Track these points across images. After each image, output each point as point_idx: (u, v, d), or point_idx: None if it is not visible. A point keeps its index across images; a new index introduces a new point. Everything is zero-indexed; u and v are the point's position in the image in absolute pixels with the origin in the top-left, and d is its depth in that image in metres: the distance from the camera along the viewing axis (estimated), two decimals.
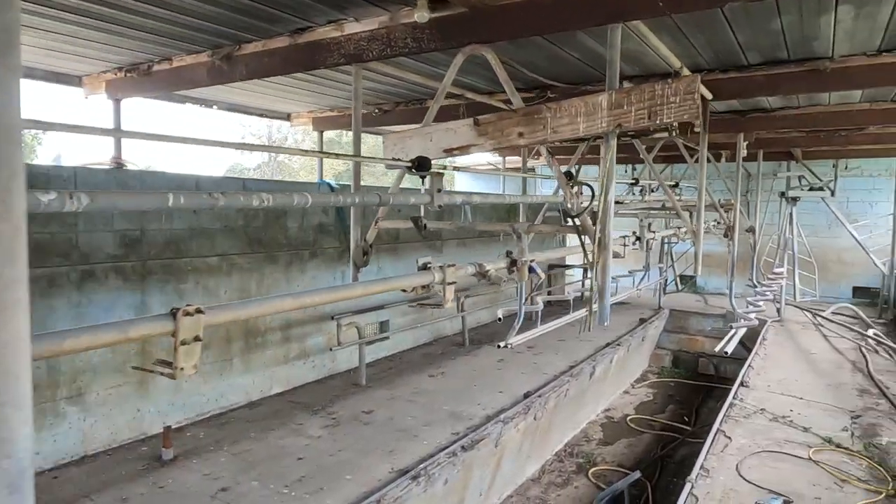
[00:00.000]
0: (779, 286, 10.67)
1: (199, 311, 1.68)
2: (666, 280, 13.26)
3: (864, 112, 6.84)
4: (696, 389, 10.77)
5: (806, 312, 11.64)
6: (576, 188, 3.29)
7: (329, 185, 7.01)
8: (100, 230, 5.07)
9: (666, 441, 8.48)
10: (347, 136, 16.22)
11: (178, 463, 4.93)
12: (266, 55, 4.16)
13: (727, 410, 6.35)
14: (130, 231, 5.27)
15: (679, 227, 6.06)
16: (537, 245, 6.61)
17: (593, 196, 2.84)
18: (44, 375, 4.71)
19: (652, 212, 6.97)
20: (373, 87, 6.47)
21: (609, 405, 9.80)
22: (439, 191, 2.96)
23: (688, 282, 15.04)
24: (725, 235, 7.52)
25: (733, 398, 6.74)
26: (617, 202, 8.37)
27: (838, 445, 5.43)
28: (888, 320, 11.30)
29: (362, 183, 4.59)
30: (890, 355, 8.53)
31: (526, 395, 6.72)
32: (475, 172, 16.98)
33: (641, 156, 5.84)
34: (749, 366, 8.18)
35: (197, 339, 1.66)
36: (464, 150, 3.36)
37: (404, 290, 2.68)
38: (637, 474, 6.39)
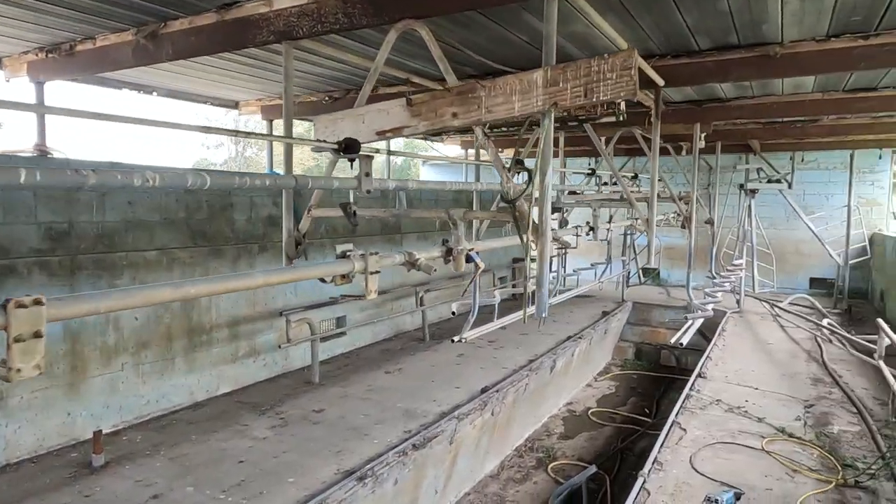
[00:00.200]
0: (738, 278, 10.76)
1: (38, 302, 1.46)
2: (629, 272, 13.30)
3: (817, 102, 6.87)
4: (657, 381, 10.81)
5: (764, 303, 11.79)
6: (513, 172, 3.13)
7: (277, 174, 6.74)
8: (21, 222, 4.74)
9: (626, 433, 8.46)
10: (304, 126, 15.81)
11: (110, 469, 4.65)
12: (193, 33, 3.89)
13: (683, 402, 6.31)
14: (57, 224, 4.95)
15: (635, 219, 5.98)
16: (497, 234, 6.44)
17: (530, 180, 2.68)
18: None
19: (606, 203, 6.88)
20: (321, 73, 6.22)
21: (571, 398, 9.75)
22: (367, 175, 2.76)
23: (651, 274, 15.14)
24: (683, 227, 7.50)
25: (690, 390, 6.72)
26: (574, 193, 8.33)
27: (791, 435, 5.43)
28: (843, 310, 11.53)
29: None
30: (843, 344, 8.65)
31: (483, 391, 6.58)
32: (434, 162, 16.81)
33: (595, 145, 5.73)
34: (708, 357, 8.20)
35: (38, 335, 1.43)
36: (396, 131, 3.16)
37: (323, 281, 2.48)
38: (593, 468, 6.32)
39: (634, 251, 13.29)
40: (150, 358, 5.68)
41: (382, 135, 3.20)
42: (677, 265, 14.14)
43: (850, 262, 12.48)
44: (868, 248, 12.73)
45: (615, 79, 2.55)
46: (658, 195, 8.90)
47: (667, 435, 5.45)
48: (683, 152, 10.33)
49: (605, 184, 9.49)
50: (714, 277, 10.45)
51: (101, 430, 4.80)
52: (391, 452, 4.97)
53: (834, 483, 4.50)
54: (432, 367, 7.50)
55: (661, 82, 4.71)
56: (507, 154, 10.74)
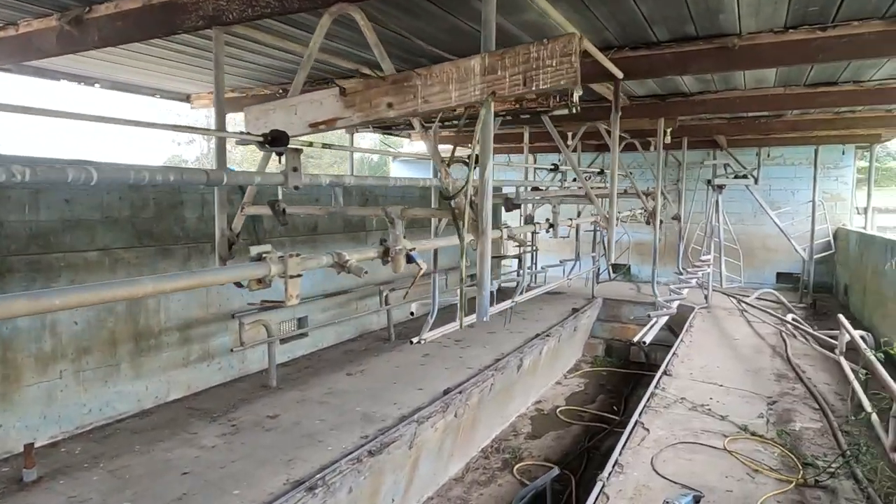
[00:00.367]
0: (705, 273, 10.77)
1: None
2: (598, 268, 13.25)
3: (780, 97, 6.83)
4: (627, 378, 10.78)
5: (731, 298, 11.84)
6: (452, 167, 2.95)
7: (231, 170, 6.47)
8: None
9: (594, 432, 8.38)
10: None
11: (42, 484, 4.37)
12: (119, 18, 3.62)
13: (648, 401, 6.23)
14: None
15: (596, 215, 5.87)
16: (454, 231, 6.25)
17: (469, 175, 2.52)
18: None
19: (570, 199, 6.76)
20: (271, 64, 5.96)
21: (540, 397, 9.65)
22: (295, 170, 2.56)
23: (621, 270, 15.14)
24: (647, 223, 7.42)
25: (655, 388, 6.64)
26: (536, 189, 8.19)
27: (753, 433, 5.37)
28: (808, 304, 11.63)
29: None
30: (806, 339, 8.68)
31: (446, 392, 6.41)
32: (404, 159, 16.59)
33: (555, 139, 5.59)
34: (674, 353, 8.15)
35: None
36: (330, 123, 2.95)
37: (238, 285, 2.28)
38: (556, 470, 6.20)
39: (604, 247, 13.25)
40: (91, 364, 5.39)
41: (315, 127, 2.99)
42: (647, 261, 14.10)
43: (815, 256, 12.63)
44: (832, 242, 12.89)
45: (555, 66, 2.38)
46: (626, 191, 8.88)
47: (629, 436, 5.36)
48: (651, 148, 10.29)
49: (574, 180, 9.40)
50: (682, 273, 10.44)
51: (32, 443, 4.51)
52: (345, 460, 4.77)
53: (794, 483, 4.44)
54: (396, 369, 7.31)
55: (619, 75, 4.58)
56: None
